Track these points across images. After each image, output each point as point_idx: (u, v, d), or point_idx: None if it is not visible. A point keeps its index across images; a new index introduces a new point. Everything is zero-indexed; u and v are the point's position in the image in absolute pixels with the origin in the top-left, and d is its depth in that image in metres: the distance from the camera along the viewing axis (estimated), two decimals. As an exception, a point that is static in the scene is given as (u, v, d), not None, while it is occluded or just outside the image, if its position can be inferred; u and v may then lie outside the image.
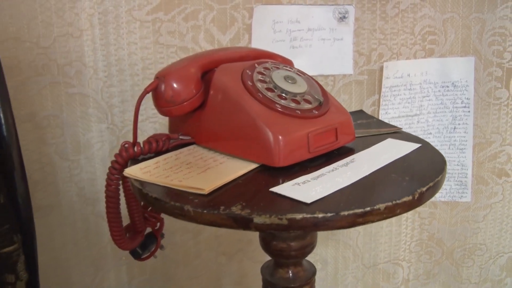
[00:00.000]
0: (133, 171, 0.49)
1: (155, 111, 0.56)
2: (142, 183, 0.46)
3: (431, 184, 0.44)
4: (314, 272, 0.61)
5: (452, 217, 0.97)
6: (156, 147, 0.55)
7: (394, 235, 0.98)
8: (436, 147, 0.58)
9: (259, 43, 0.83)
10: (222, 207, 0.39)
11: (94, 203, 0.83)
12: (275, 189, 0.43)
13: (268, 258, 0.86)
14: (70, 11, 0.75)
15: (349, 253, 0.98)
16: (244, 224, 0.38)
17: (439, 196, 0.97)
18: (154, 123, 0.82)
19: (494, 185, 0.95)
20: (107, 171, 0.53)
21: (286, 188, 0.43)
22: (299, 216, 0.38)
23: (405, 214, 0.97)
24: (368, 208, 0.39)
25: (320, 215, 0.38)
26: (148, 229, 0.65)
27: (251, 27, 0.82)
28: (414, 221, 0.98)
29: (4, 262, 0.48)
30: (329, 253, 0.98)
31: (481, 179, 0.95)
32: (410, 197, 0.41)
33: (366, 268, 0.99)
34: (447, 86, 0.92)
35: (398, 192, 0.42)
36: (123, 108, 0.80)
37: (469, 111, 0.92)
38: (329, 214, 0.38)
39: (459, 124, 0.93)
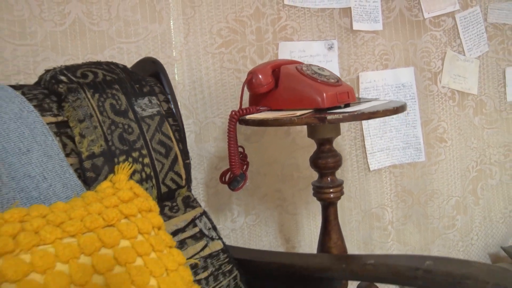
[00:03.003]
0: (252, 116, 0.93)
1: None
2: (260, 117, 0.91)
3: (401, 104, 0.91)
4: (342, 182, 1.06)
5: (415, 173, 1.45)
6: (252, 111, 1.00)
7: (379, 188, 1.44)
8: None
9: (282, 64, 1.31)
10: (310, 116, 0.85)
11: (184, 174, 1.23)
12: (330, 111, 0.89)
13: (297, 210, 1.37)
14: (168, 49, 1.20)
15: (351, 204, 1.42)
16: (322, 119, 0.84)
17: (404, 160, 1.44)
18: (222, 118, 1.26)
19: (438, 148, 1.45)
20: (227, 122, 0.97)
21: (336, 111, 0.89)
22: (347, 114, 0.84)
23: (384, 173, 1.43)
24: (377, 110, 0.86)
25: (358, 112, 0.84)
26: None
27: (278, 55, 1.30)
28: (391, 178, 1.45)
29: (189, 170, 0.89)
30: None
31: (429, 145, 1.44)
32: (393, 108, 0.89)
33: (363, 212, 1.43)
34: (399, 87, 1.43)
35: (389, 108, 0.89)
36: (203, 109, 1.24)
37: (415, 101, 1.43)
38: (361, 112, 0.84)
39: (410, 110, 1.43)
